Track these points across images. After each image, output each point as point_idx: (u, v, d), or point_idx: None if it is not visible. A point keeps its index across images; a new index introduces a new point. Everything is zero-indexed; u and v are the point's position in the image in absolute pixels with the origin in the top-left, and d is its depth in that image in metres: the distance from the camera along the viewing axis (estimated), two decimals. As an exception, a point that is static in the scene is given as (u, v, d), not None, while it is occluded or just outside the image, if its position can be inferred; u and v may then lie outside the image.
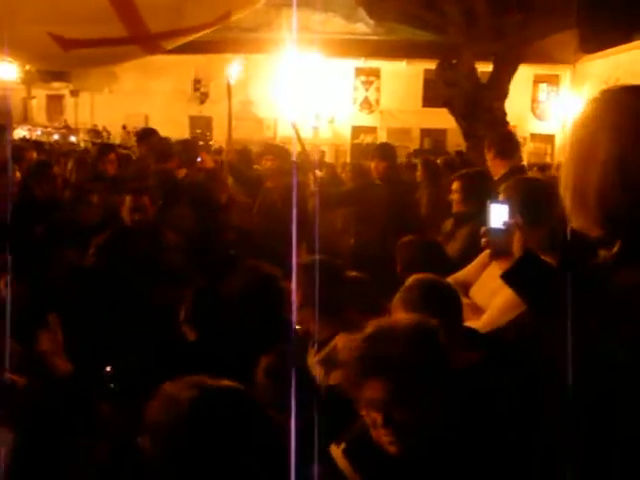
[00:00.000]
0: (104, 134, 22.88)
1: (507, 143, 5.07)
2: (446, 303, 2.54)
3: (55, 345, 2.86)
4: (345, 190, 6.23)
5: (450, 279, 3.21)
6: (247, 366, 2.58)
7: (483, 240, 2.13)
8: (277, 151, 6.57)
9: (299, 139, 5.87)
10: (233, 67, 8.88)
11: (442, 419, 1.83)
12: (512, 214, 2.12)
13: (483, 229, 2.13)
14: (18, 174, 5.48)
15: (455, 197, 4.59)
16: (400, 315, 2.17)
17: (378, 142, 25.56)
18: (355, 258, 4.97)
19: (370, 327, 1.93)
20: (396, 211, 5.33)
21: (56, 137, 22.12)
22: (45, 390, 2.60)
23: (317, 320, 2.41)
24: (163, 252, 4.43)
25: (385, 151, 5.95)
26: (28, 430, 2.34)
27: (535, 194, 2.97)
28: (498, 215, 2.13)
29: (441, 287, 2.63)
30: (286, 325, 2.64)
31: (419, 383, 1.81)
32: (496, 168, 4.83)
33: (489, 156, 4.93)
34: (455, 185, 4.62)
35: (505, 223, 2.12)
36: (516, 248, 2.08)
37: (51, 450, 2.36)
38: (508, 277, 2.12)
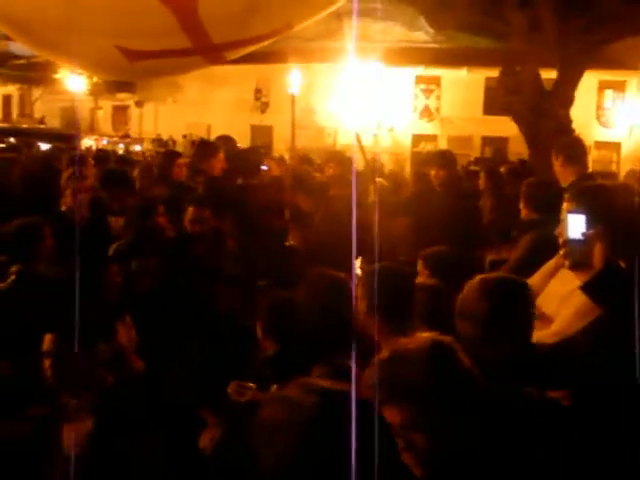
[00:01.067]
0: (170, 143, 23.31)
1: (575, 149, 4.96)
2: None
3: (130, 343, 2.94)
4: (405, 198, 6.19)
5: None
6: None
7: (561, 251, 2.08)
8: (340, 159, 6.59)
9: (361, 148, 5.85)
10: (294, 75, 8.98)
11: (465, 445, 1.75)
12: (591, 224, 2.06)
13: (562, 240, 2.07)
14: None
15: (522, 204, 4.53)
16: (418, 335, 2.10)
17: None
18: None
19: (386, 350, 1.88)
20: (456, 219, 5.24)
21: (121, 146, 22.65)
22: (126, 386, 2.68)
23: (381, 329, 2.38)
24: (224, 258, 4.51)
25: (445, 158, 5.96)
26: (106, 420, 2.40)
27: (611, 200, 2.86)
28: (576, 225, 2.07)
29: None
30: (353, 332, 2.63)
31: (437, 408, 1.73)
32: (565, 175, 4.72)
33: (557, 163, 4.82)
34: (522, 191, 4.58)
35: (584, 234, 2.05)
36: (597, 260, 2.01)
37: (123, 441, 2.42)
38: (589, 289, 2.06)
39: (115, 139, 24.17)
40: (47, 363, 2.54)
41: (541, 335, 2.77)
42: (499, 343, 2.32)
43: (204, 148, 6.78)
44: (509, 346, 2.31)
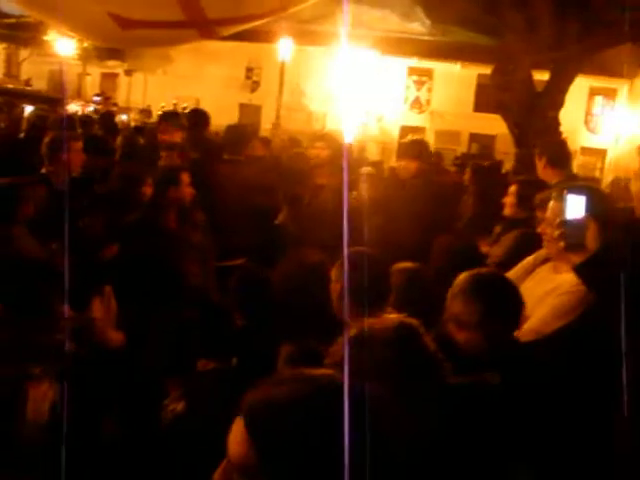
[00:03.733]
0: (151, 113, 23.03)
1: (560, 152, 4.92)
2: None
3: (108, 315, 2.91)
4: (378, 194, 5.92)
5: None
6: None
7: (556, 232, 2.07)
8: (330, 140, 6.05)
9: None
10: (285, 44, 8.84)
11: (425, 426, 1.75)
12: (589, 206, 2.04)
13: (558, 220, 2.06)
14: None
15: (508, 201, 4.51)
16: (385, 317, 2.07)
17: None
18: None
19: (352, 330, 1.87)
20: (428, 211, 4.97)
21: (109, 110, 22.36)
22: (93, 356, 2.66)
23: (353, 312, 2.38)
24: (192, 230, 4.50)
25: (414, 150, 5.42)
26: (68, 389, 2.37)
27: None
28: (573, 207, 2.05)
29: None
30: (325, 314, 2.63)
31: (399, 389, 1.71)
32: (547, 176, 4.68)
33: (540, 163, 4.78)
34: (512, 189, 4.55)
35: (580, 216, 2.04)
36: (591, 242, 2.00)
37: (84, 411, 2.39)
38: (582, 271, 2.05)
39: (101, 106, 23.86)
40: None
41: (517, 332, 2.78)
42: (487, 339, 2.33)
43: (167, 118, 6.55)
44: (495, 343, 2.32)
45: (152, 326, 2.93)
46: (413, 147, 5.49)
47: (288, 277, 3.09)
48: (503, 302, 2.39)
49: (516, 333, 2.79)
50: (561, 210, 2.09)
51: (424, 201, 5.02)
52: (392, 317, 1.96)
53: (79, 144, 5.12)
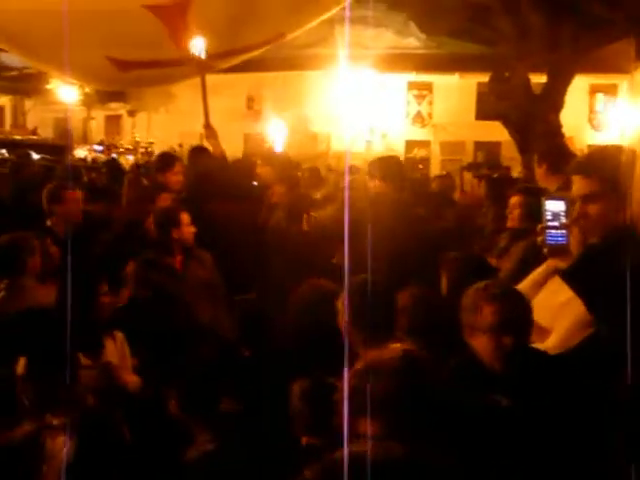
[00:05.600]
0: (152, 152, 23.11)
1: (559, 157, 4.83)
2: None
3: (123, 360, 2.94)
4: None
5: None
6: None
7: (539, 238, 2.08)
8: (271, 159, 5.83)
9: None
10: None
11: (438, 454, 1.76)
12: (569, 210, 2.05)
13: (539, 227, 2.07)
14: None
15: (514, 212, 4.46)
16: (390, 347, 2.09)
17: (432, 156, 25.47)
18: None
19: (359, 362, 1.89)
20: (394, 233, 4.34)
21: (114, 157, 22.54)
22: (110, 404, 2.68)
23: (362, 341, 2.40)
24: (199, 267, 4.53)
25: (379, 169, 4.86)
26: (85, 440, 2.40)
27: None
28: (553, 211, 2.06)
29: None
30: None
31: (409, 419, 1.74)
32: (547, 183, 4.62)
33: (540, 171, 4.72)
34: (515, 200, 4.49)
35: (562, 221, 2.05)
36: (574, 247, 2.01)
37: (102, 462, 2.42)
38: (567, 276, 2.06)
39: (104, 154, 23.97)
40: (20, 386, 2.55)
41: (541, 348, 2.76)
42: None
43: (160, 160, 6.52)
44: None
45: (172, 368, 2.95)
46: (378, 166, 4.99)
47: (298, 309, 3.11)
48: (514, 307, 2.39)
49: (543, 347, 2.77)
50: (544, 216, 2.10)
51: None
52: (396, 347, 1.98)
53: (76, 194, 5.20)
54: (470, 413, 1.90)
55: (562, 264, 2.07)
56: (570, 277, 2.10)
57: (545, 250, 2.12)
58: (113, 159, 12.73)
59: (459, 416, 1.83)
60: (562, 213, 2.09)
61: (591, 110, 25.42)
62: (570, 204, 2.16)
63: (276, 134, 8.36)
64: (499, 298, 2.39)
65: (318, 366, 2.57)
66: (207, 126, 6.46)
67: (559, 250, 2.06)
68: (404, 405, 1.75)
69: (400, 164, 5.27)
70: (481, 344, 2.39)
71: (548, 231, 2.07)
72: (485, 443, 1.87)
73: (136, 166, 14.29)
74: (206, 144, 6.95)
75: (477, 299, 2.43)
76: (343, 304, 2.71)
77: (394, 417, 1.73)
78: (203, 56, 7.05)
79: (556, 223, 2.06)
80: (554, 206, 2.10)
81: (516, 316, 2.41)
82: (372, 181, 4.84)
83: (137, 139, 24.73)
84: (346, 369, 1.87)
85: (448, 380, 1.95)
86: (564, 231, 2.05)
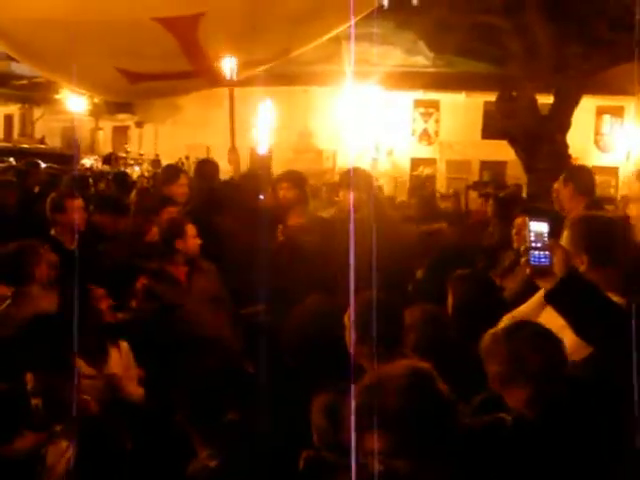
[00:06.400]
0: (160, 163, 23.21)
1: (587, 179, 4.80)
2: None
3: (128, 371, 2.93)
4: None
5: (509, 317, 3.13)
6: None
7: (522, 260, 2.08)
8: (295, 180, 5.56)
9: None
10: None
11: (445, 472, 1.75)
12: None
13: (522, 248, 2.08)
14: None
15: (521, 233, 4.43)
16: (397, 363, 2.08)
17: (437, 174, 25.50)
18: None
19: (368, 377, 1.89)
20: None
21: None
22: (113, 413, 2.67)
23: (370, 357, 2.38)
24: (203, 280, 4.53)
25: (353, 179, 4.78)
26: (86, 448, 2.38)
27: (606, 233, 2.75)
28: (537, 233, 2.08)
29: None
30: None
31: (416, 435, 1.74)
32: (573, 203, 4.49)
33: (565, 190, 4.65)
34: (520, 220, 4.47)
35: (546, 242, 2.06)
36: (558, 267, 2.01)
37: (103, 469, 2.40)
38: (551, 297, 2.06)
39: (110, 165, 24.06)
40: (34, 402, 2.55)
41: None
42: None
43: (166, 172, 6.54)
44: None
45: (176, 380, 2.93)
46: (347, 176, 4.95)
47: (303, 323, 3.09)
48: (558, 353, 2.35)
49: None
50: (525, 236, 2.11)
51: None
52: (404, 363, 1.97)
53: (78, 202, 5.20)
54: (476, 431, 1.89)
55: (546, 285, 2.06)
56: (552, 298, 2.09)
57: (528, 271, 2.11)
58: (122, 172, 12.76)
59: (465, 434, 1.82)
60: (545, 234, 2.09)
61: (597, 131, 25.46)
62: (554, 225, 2.18)
63: (262, 130, 8.23)
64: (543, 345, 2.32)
65: (324, 381, 2.56)
66: (232, 150, 6.49)
67: (542, 271, 2.05)
68: (412, 422, 1.74)
69: (370, 175, 5.30)
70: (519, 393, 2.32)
71: (531, 252, 2.07)
72: (490, 461, 1.86)
73: (144, 178, 14.33)
74: (229, 163, 6.95)
75: (518, 347, 2.35)
76: (350, 319, 2.70)
77: (402, 434, 1.72)
78: (233, 74, 7.10)
79: (539, 244, 2.07)
80: (537, 227, 2.11)
81: (559, 361, 2.36)
82: (343, 191, 4.84)
83: (141, 152, 24.81)
84: (353, 385, 1.86)
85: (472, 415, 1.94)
86: (547, 252, 2.05)
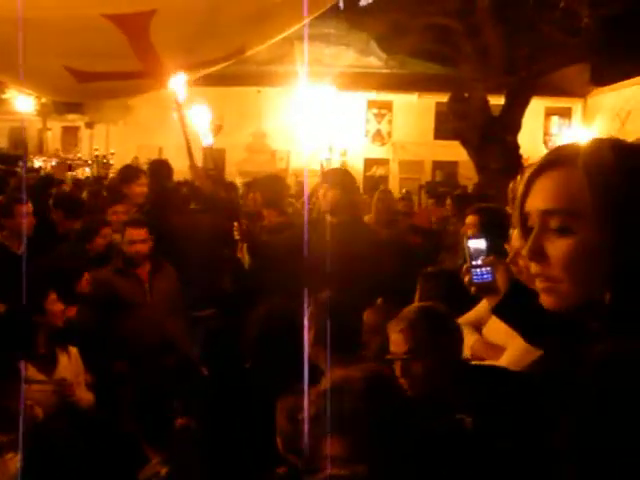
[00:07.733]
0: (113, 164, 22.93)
1: None
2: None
3: (77, 376, 2.86)
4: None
5: (461, 320, 3.14)
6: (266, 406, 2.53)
7: (465, 279, 2.08)
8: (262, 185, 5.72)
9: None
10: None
11: (404, 475, 1.74)
12: (492, 248, 2.08)
13: (464, 268, 2.08)
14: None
15: (470, 232, 4.47)
16: (355, 366, 2.09)
17: (390, 174, 25.69)
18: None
19: (325, 381, 1.87)
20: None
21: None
22: (61, 421, 2.60)
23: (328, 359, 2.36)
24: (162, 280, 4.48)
25: (335, 177, 4.80)
26: (33, 457, 2.31)
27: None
28: (477, 251, 2.09)
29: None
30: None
31: (375, 439, 1.73)
32: None
33: None
34: (471, 219, 4.49)
35: (485, 259, 2.07)
36: (501, 282, 2.03)
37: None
38: (497, 312, 2.07)
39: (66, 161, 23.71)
40: None
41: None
42: None
43: (125, 172, 6.56)
44: None
45: (126, 383, 2.87)
46: (333, 175, 4.98)
47: (263, 327, 3.05)
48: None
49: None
50: (467, 256, 2.11)
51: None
52: (362, 366, 1.95)
53: (27, 207, 5.13)
54: (434, 433, 1.88)
55: (492, 301, 2.07)
56: (498, 312, 2.10)
57: (472, 290, 2.12)
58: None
59: (424, 437, 1.81)
60: (483, 251, 2.10)
61: (546, 132, 25.98)
62: (492, 242, 2.20)
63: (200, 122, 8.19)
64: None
65: (281, 385, 2.53)
66: (192, 166, 6.39)
67: (486, 288, 2.06)
68: (369, 426, 1.72)
69: (352, 175, 5.19)
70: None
71: (473, 270, 2.08)
72: (450, 463, 1.85)
73: (97, 178, 14.12)
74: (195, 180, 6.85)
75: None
76: (308, 321, 2.68)
77: (359, 438, 1.70)
78: (183, 78, 6.99)
79: (479, 261, 2.08)
80: (476, 244, 2.12)
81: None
82: (330, 190, 4.74)
83: (96, 152, 24.46)
84: (308, 388, 1.83)
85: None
86: (489, 268, 2.06)
